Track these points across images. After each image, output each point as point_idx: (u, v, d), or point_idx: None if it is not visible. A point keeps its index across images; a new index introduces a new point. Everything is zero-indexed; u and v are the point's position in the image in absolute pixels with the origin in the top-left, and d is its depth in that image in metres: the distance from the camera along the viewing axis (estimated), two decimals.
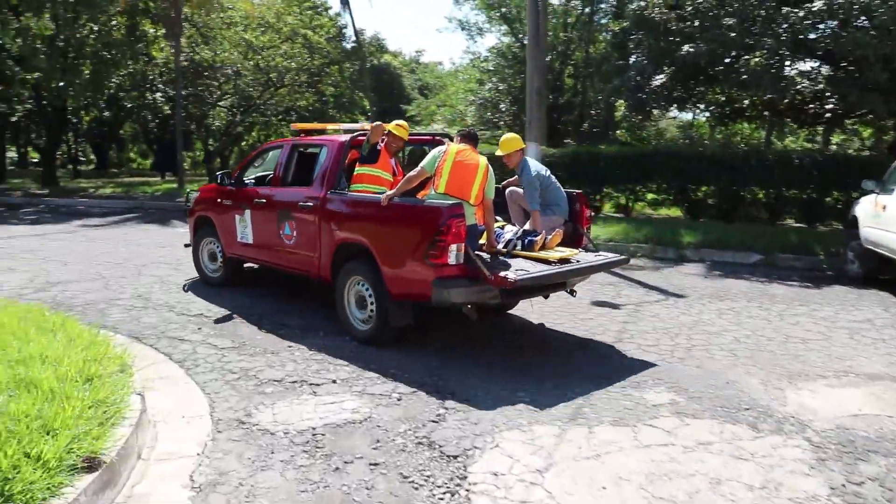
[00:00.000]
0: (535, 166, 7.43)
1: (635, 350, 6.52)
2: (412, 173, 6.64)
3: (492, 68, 26.57)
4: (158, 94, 31.08)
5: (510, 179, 7.80)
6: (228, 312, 7.83)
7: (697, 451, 4.36)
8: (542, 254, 6.58)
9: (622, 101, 20.25)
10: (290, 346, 6.59)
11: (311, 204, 7.41)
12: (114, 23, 25.54)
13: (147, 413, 4.84)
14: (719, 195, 14.85)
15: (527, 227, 7.13)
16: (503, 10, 25.55)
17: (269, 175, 9.00)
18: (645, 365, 6.08)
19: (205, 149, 35.33)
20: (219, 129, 33.19)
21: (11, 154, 44.83)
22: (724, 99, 17.55)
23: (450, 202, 6.16)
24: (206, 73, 29.78)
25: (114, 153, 49.94)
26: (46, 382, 4.46)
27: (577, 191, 7.64)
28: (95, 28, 24.53)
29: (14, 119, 30.25)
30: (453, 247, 5.87)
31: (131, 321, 7.58)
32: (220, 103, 31.82)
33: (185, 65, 27.54)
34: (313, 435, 4.62)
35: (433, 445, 4.44)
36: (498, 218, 7.24)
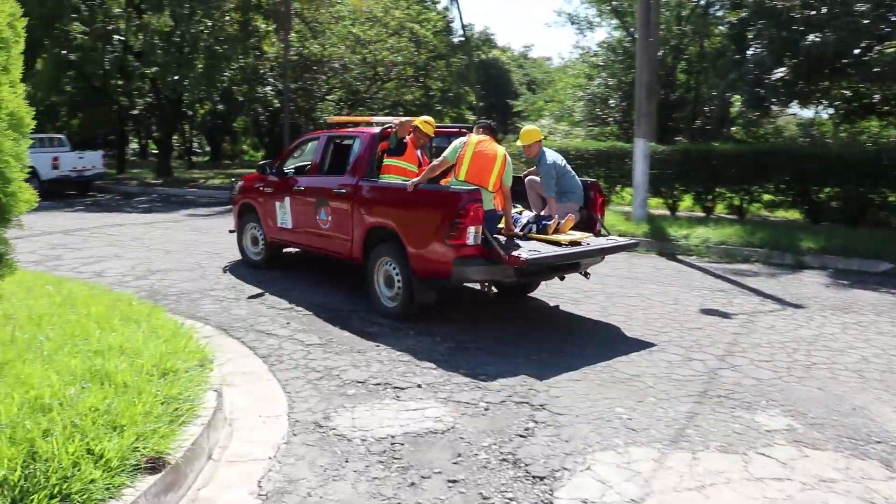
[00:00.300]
0: (552, 156, 7.79)
1: (747, 365, 5.93)
2: (435, 162, 7.23)
3: (601, 63, 25.82)
4: (268, 88, 31.68)
5: (530, 169, 8.12)
6: (320, 307, 7.68)
7: (819, 489, 3.82)
8: (555, 237, 7.05)
9: (738, 97, 19.26)
10: (377, 346, 6.34)
11: (344, 191, 8.01)
12: (227, 18, 26.15)
13: (222, 411, 4.67)
14: (844, 197, 13.77)
15: (543, 212, 7.60)
16: (614, 3, 24.77)
17: (307, 165, 9.46)
18: (758, 383, 5.50)
19: None
20: (326, 123, 33.59)
21: (134, 146, 46.92)
22: (850, 94, 16.37)
23: (469, 188, 6.66)
24: (314, 67, 30.16)
25: (227, 145, 51.53)
26: (120, 375, 4.33)
27: (591, 179, 8.13)
28: (209, 24, 25.17)
29: (135, 112, 31.47)
30: (471, 229, 6.42)
31: (222, 312, 7.52)
32: (327, 97, 32.19)
33: (294, 59, 27.96)
34: (391, 444, 4.33)
35: (518, 463, 4.08)
36: (517, 205, 7.78)
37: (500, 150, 7.14)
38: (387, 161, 8.04)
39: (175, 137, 42.12)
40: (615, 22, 25.48)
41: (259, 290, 8.56)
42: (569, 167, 7.92)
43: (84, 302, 6.16)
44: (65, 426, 3.59)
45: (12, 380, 4.10)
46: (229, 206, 18.04)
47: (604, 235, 7.67)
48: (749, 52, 16.02)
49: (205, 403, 4.43)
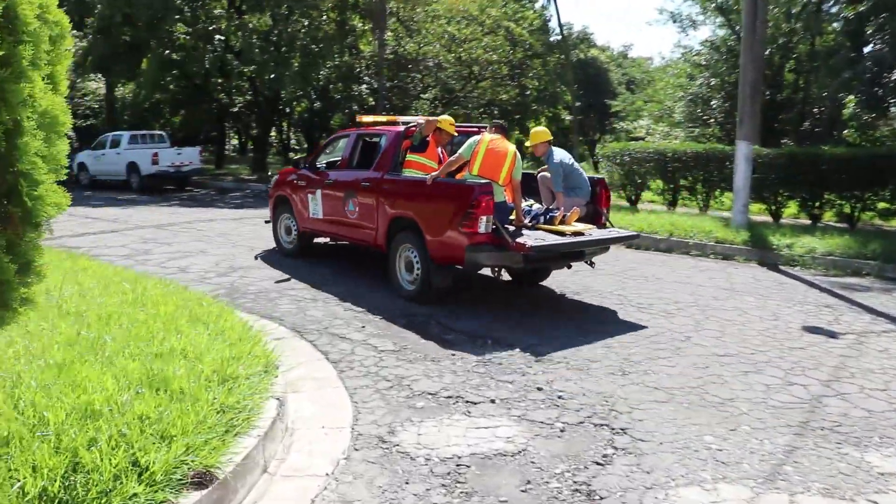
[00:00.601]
0: (560, 155, 8.33)
1: (856, 394, 5.34)
2: (452, 158, 7.85)
3: (704, 62, 24.90)
4: (363, 86, 31.92)
5: (542, 167, 8.63)
6: (397, 312, 7.45)
7: None
8: (560, 227, 7.64)
9: (852, 98, 18.15)
10: (452, 355, 6.05)
11: (370, 184, 8.66)
12: (324, 18, 26.44)
13: (283, 420, 4.47)
14: None
15: (552, 206, 8.16)
16: (719, 0, 23.84)
17: (337, 160, 10.18)
18: (869, 415, 4.91)
19: None
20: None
21: (234, 142, 48.14)
22: None
23: (481, 181, 7.31)
24: (409, 66, 30.20)
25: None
26: (178, 381, 4.18)
27: (598, 176, 8.85)
28: (306, 23, 25.49)
29: (234, 110, 32.22)
30: (483, 218, 7.00)
31: (298, 313, 7.39)
32: (422, 95, 32.20)
33: (389, 57, 28.06)
34: (457, 466, 4.03)
35: (592, 496, 3.71)
36: (528, 199, 8.41)
37: (511, 147, 7.80)
38: (409, 157, 8.55)
39: (273, 134, 43.00)
40: (720, 20, 24.55)
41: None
42: (576, 165, 8.55)
43: (155, 301, 6.10)
44: (111, 435, 3.44)
45: (67, 383, 4.00)
46: None
47: (608, 228, 8.27)
48: (867, 50, 15.02)
49: (264, 413, 4.24)
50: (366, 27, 28.21)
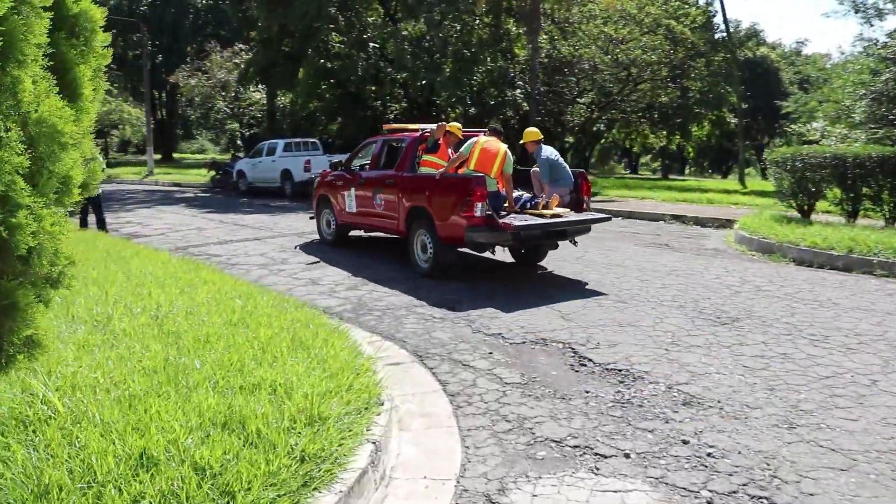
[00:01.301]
0: (547, 152, 9.83)
1: None
2: (454, 156, 9.59)
3: (890, 56, 22.46)
4: (518, 91, 31.31)
5: (536, 165, 9.97)
6: (533, 336, 6.73)
7: None
8: (542, 212, 9.16)
9: None
10: (586, 392, 5.26)
11: (392, 181, 10.35)
12: (477, 22, 26.06)
13: (378, 469, 3.87)
14: None
15: (537, 195, 9.76)
16: None
17: (367, 163, 11.94)
18: None
19: (559, 145, 35.04)
20: (576, 126, 32.62)
21: None
22: None
23: (476, 175, 8.88)
24: (564, 69, 29.30)
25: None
26: (257, 422, 3.66)
27: (580, 170, 10.23)
28: (458, 27, 25.20)
29: (389, 117, 32.49)
30: (478, 204, 8.58)
31: (423, 334, 6.82)
32: (578, 99, 31.20)
33: (543, 61, 27.32)
34: None
35: None
36: (520, 189, 10.01)
37: (503, 147, 9.48)
38: (424, 157, 10.07)
39: None
40: None
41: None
42: (561, 160, 10.05)
43: (262, 320, 5.69)
44: (161, 490, 2.95)
45: (132, 421, 3.58)
46: None
47: (585, 212, 9.71)
48: None
49: (353, 461, 3.65)
50: (520, 30, 27.57)
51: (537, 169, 9.85)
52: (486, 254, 10.83)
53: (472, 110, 35.43)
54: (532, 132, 10.23)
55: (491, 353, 6.22)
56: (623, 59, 27.89)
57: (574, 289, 8.62)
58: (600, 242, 12.44)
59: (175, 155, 53.88)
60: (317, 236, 13.22)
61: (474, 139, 9.49)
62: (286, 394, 4.12)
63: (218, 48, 38.87)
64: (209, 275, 7.83)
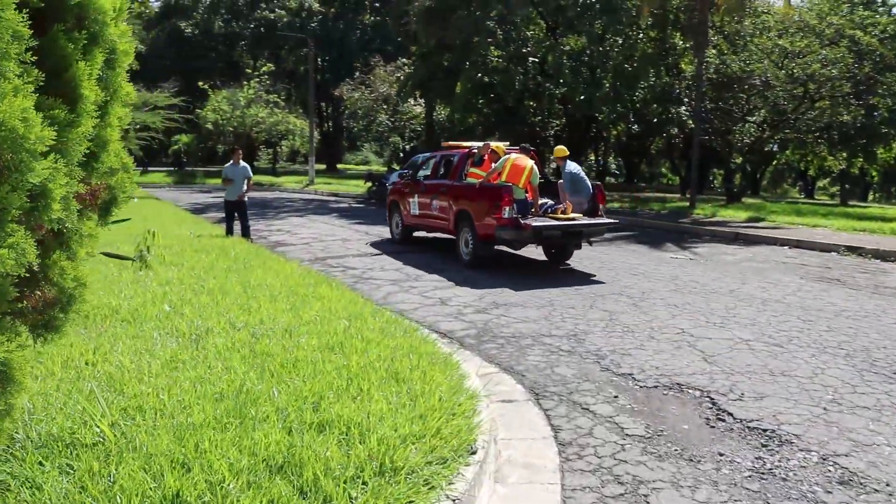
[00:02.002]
0: (570, 167, 11.95)
1: None
2: (490, 170, 11.55)
3: None
4: (683, 108, 29.83)
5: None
6: (672, 379, 5.95)
7: None
8: (558, 216, 11.16)
9: None
10: (720, 455, 4.48)
11: (445, 189, 12.51)
12: (641, 36, 25.00)
13: None
14: None
15: (556, 203, 11.71)
16: None
17: (428, 174, 14.40)
18: None
19: (725, 166, 33.11)
20: (745, 147, 30.66)
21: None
22: None
23: (506, 185, 10.94)
24: (734, 85, 27.55)
25: (645, 167, 50.43)
26: (316, 467, 3.23)
27: (597, 183, 12.27)
28: (620, 41, 24.26)
29: (549, 133, 31.88)
30: (506, 208, 10.63)
31: (545, 368, 6.21)
32: (748, 118, 29.29)
33: (712, 76, 25.83)
34: None
35: None
36: (546, 198, 11.88)
37: (530, 162, 11.44)
38: (471, 170, 12.15)
39: (590, 158, 42.23)
40: None
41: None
42: (582, 174, 12.10)
43: (358, 346, 5.28)
44: None
45: (179, 457, 3.23)
46: (617, 234, 16.93)
47: (598, 218, 11.56)
48: None
49: None
50: (686, 44, 26.22)
51: (563, 181, 11.90)
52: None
53: (635, 128, 34.19)
54: (560, 149, 12.41)
55: (616, 396, 5.52)
56: (799, 74, 25.79)
57: (722, 327, 7.70)
58: (760, 274, 11.31)
59: (339, 166, 55.63)
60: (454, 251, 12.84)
61: (507, 156, 11.56)
62: (360, 435, 3.67)
63: (381, 63, 39.69)
64: (326, 290, 7.57)
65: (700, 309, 8.54)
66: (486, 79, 25.19)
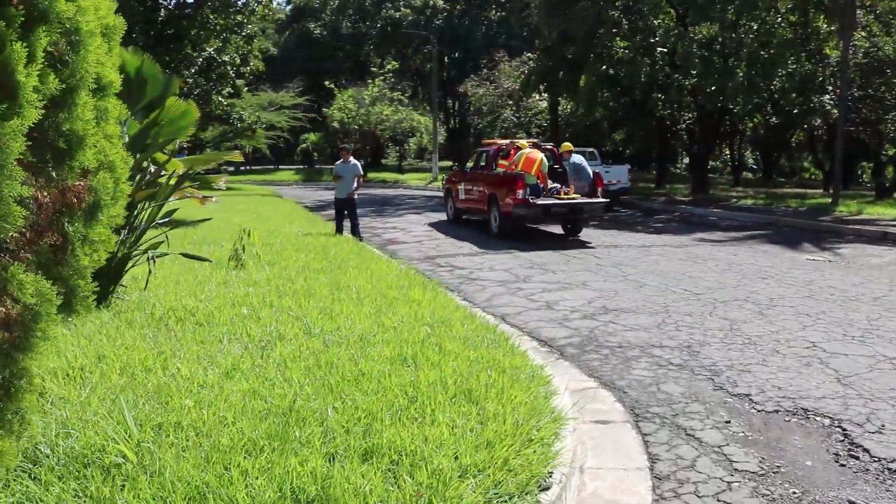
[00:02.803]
0: (574, 159, 15.63)
1: None
2: (510, 161, 14.94)
3: None
4: (826, 97, 27.70)
5: None
6: (790, 402, 5.16)
7: None
8: (561, 197, 14.13)
9: None
10: (850, 503, 3.75)
11: (481, 177, 15.91)
12: (779, 20, 23.31)
13: None
14: None
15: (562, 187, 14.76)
16: None
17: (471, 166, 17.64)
18: None
19: (875, 159, 30.60)
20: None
21: (686, 160, 46.11)
22: None
23: (521, 173, 14.08)
24: (886, 70, 25.29)
25: (785, 161, 47.60)
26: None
27: (595, 171, 15.55)
28: (754, 27, 22.69)
29: (681, 126, 30.43)
30: (520, 191, 13.66)
31: (650, 384, 5.57)
32: None
33: (860, 61, 23.82)
34: None
35: None
36: (555, 183, 14.77)
37: (540, 155, 14.63)
38: (500, 161, 15.57)
39: (725, 152, 40.14)
40: None
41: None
42: (584, 164, 15.53)
43: (433, 359, 4.81)
44: None
45: (197, 484, 2.86)
46: (750, 233, 15.90)
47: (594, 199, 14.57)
48: None
49: None
50: (831, 27, 24.25)
51: (568, 170, 15.56)
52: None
53: (773, 119, 32.10)
54: (566, 145, 16.39)
55: (728, 421, 4.83)
56: None
57: (862, 342, 6.75)
58: None
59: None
60: (570, 250, 12.25)
61: (522, 151, 14.86)
62: (411, 466, 3.20)
63: (506, 58, 39.13)
64: (418, 293, 7.15)
65: (836, 319, 7.57)
66: (612, 71, 24.16)
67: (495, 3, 50.13)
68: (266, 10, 31.14)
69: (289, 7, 64.59)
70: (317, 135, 46.50)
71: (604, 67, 23.96)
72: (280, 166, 59.04)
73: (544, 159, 14.58)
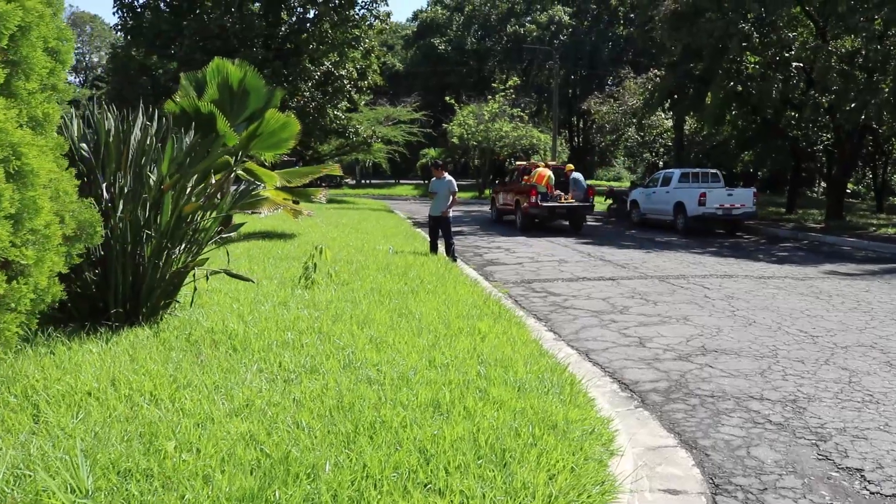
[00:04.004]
0: (574, 176, 22.04)
1: None
2: (529, 177, 21.67)
3: None
4: None
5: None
6: None
7: None
8: (562, 202, 21.10)
9: None
10: None
11: (510, 188, 23.56)
12: None
13: None
14: None
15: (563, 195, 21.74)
16: None
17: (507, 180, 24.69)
18: None
19: None
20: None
21: (823, 185, 43.24)
22: None
23: (534, 185, 20.86)
24: None
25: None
26: None
27: (588, 183, 22.27)
28: None
29: (818, 147, 28.40)
30: (533, 197, 20.63)
31: (739, 447, 4.72)
32: None
33: None
34: None
35: None
36: (559, 191, 21.53)
37: (549, 172, 21.12)
38: (524, 177, 21.92)
39: (867, 175, 37.28)
40: None
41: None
42: (580, 178, 21.93)
43: (472, 408, 4.15)
44: None
45: None
46: (887, 265, 14.31)
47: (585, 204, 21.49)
48: None
49: None
50: None
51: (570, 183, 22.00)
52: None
53: None
54: (569, 166, 23.11)
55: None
56: None
57: None
58: None
59: (589, 182, 54.23)
60: (678, 279, 11.28)
61: (537, 168, 21.37)
62: None
63: (631, 74, 37.86)
64: (486, 324, 6.50)
65: None
66: (740, 88, 22.70)
67: (624, 18, 48.79)
68: (383, 25, 31.23)
69: (415, 23, 65.26)
70: (437, 150, 46.48)
71: (732, 84, 22.55)
72: (400, 181, 59.51)
73: (552, 175, 21.17)
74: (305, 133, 28.62)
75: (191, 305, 6.45)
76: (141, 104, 6.28)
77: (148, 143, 6.00)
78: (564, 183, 21.85)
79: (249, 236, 13.80)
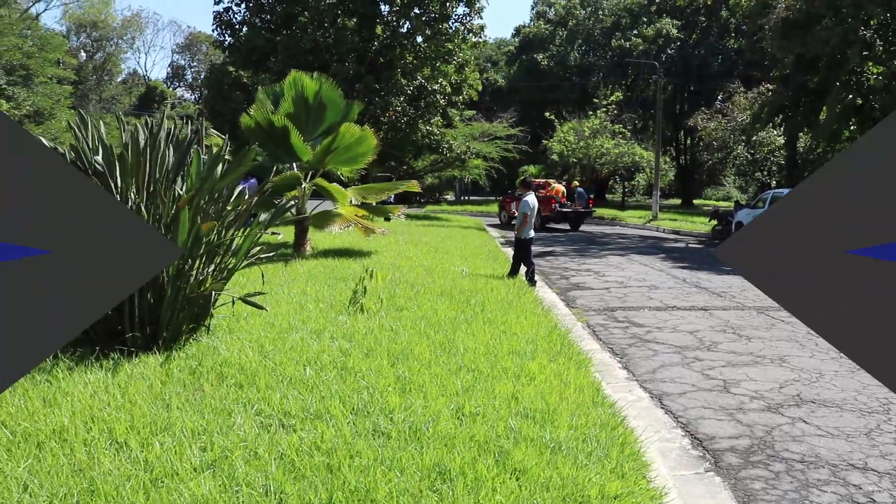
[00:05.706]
0: (578, 190, 30.87)
1: None
2: (546, 191, 29.22)
3: None
4: None
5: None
6: None
7: None
8: (569, 209, 29.39)
9: None
10: None
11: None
12: None
13: None
14: None
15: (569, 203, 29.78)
16: None
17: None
18: None
19: None
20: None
21: None
22: None
23: (552, 196, 28.88)
24: None
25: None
26: None
27: (590, 196, 31.98)
28: None
29: None
30: (553, 205, 28.57)
31: None
32: None
33: None
34: None
35: None
36: (569, 201, 29.88)
37: (561, 186, 30.24)
38: (541, 190, 28.01)
39: None
40: None
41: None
42: (583, 192, 30.66)
43: (484, 476, 3.40)
44: None
45: None
46: None
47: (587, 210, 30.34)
48: None
49: None
50: None
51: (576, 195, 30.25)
52: None
53: None
54: (575, 182, 33.21)
55: None
56: None
57: None
58: None
59: (696, 201, 51.95)
60: (781, 312, 10.13)
61: (551, 185, 29.64)
62: None
63: (741, 89, 36.03)
64: (538, 365, 5.70)
65: None
66: (860, 101, 21.00)
67: (735, 30, 46.74)
68: (477, 39, 30.74)
69: (517, 39, 64.65)
70: (537, 167, 45.59)
71: (850, 96, 20.87)
72: (499, 198, 58.95)
73: (563, 188, 29.17)
74: (398, 148, 28.38)
75: (208, 332, 5.94)
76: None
77: (172, 156, 5.54)
78: (571, 194, 30.06)
79: (326, 253, 13.39)
